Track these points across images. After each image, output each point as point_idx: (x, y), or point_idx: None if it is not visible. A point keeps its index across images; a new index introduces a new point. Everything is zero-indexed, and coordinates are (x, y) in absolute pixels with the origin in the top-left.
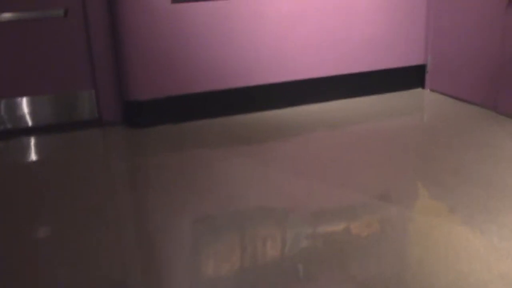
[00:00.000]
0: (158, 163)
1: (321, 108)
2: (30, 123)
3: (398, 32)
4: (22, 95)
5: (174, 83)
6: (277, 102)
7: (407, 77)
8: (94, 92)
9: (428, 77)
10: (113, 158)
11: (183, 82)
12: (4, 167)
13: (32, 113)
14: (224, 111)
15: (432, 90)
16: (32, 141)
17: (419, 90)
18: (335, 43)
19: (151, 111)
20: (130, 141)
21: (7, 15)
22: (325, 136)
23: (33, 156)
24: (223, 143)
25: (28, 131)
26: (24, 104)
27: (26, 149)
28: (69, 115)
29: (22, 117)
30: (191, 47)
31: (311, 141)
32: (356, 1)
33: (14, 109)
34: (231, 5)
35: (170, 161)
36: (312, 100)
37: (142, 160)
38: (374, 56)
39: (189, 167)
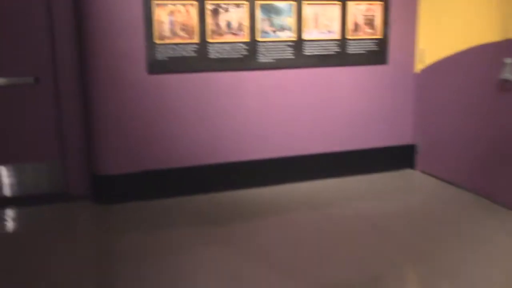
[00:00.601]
0: (122, 248)
1: (304, 188)
2: None
3: (385, 110)
4: None
5: (148, 157)
6: (257, 180)
7: (396, 157)
8: (61, 164)
9: (418, 157)
10: (74, 237)
11: (157, 156)
12: None
13: None
14: (200, 188)
15: (423, 172)
16: None
17: (409, 171)
18: (320, 119)
19: (121, 186)
20: (96, 219)
21: None
22: (305, 219)
23: None
24: (195, 225)
25: None
26: None
27: None
28: (34, 187)
29: None
30: (166, 121)
31: (290, 225)
32: (342, 77)
33: None
34: (210, 78)
35: (135, 246)
36: (295, 178)
37: (104, 242)
38: (361, 134)
39: (153, 255)
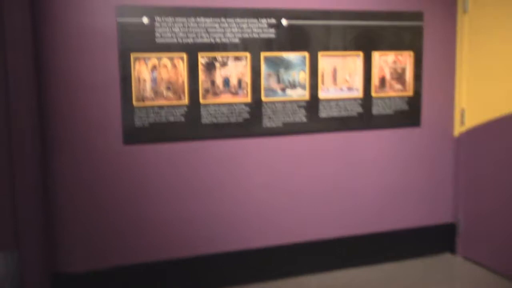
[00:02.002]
0: None
1: (319, 281)
2: None
3: (419, 182)
4: None
5: (122, 249)
6: (261, 273)
7: (433, 240)
8: (15, 256)
9: (459, 239)
10: None
11: (135, 248)
12: None
13: None
14: (188, 286)
15: (465, 258)
16: None
17: (448, 256)
18: (339, 196)
19: (87, 286)
20: None
21: None
22: None
23: None
24: None
25: None
26: None
27: None
28: None
29: None
30: (146, 203)
31: None
32: (365, 144)
33: None
34: (203, 148)
35: None
36: (307, 270)
37: None
38: (389, 213)
39: None
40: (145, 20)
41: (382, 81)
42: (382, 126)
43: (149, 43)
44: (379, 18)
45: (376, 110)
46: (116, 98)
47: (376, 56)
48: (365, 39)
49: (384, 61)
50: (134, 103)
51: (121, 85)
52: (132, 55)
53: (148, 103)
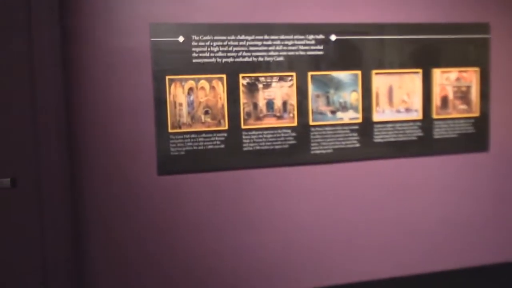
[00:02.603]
0: None
1: None
2: None
3: (488, 214)
4: None
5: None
6: None
7: (502, 279)
8: None
9: None
10: None
11: (167, 283)
12: None
13: None
14: None
15: None
16: None
17: None
18: (397, 230)
19: None
20: None
21: None
22: None
23: None
24: None
25: None
26: None
27: None
28: None
29: None
30: (181, 240)
31: None
32: (426, 171)
33: None
34: (245, 177)
35: None
36: None
37: None
38: (453, 249)
39: None
40: (181, 39)
41: (444, 101)
42: (445, 152)
43: (186, 64)
44: (440, 31)
45: (437, 133)
46: (150, 124)
47: (437, 73)
48: (424, 55)
49: (446, 79)
50: (170, 129)
51: (156, 110)
52: (167, 77)
53: (184, 129)
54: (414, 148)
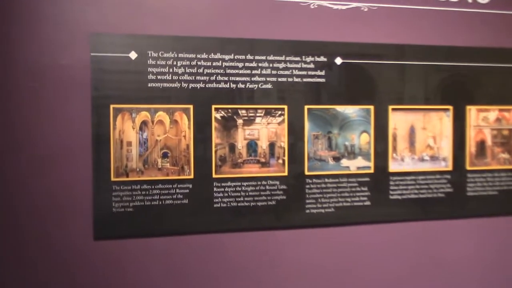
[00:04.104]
0: None
1: None
2: None
3: None
4: None
5: None
6: None
7: None
8: None
9: None
10: None
11: None
12: None
13: None
14: None
15: None
16: None
17: None
18: None
19: None
20: None
21: None
22: None
23: None
24: None
25: None
26: None
27: None
28: None
29: None
30: None
31: None
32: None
33: None
34: (216, 243)
35: None
36: None
37: None
38: None
39: None
40: (133, 55)
41: (481, 147)
42: (481, 213)
43: (138, 89)
44: (478, 58)
45: (472, 189)
46: (86, 170)
47: (472, 111)
48: (456, 87)
49: (484, 119)
50: (113, 177)
51: (94, 151)
52: (112, 106)
53: (132, 177)
54: (441, 208)
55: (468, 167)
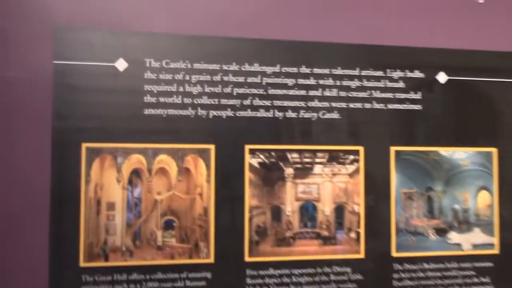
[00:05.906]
0: None
1: None
2: None
3: None
4: None
5: None
6: None
7: None
8: None
9: None
10: None
11: None
12: None
13: None
14: None
15: None
16: None
17: None
18: None
19: None
20: None
21: None
22: None
23: None
24: None
25: None
26: None
27: None
28: None
29: None
30: None
31: None
32: None
33: None
34: None
35: None
36: None
37: None
38: None
39: None
40: (120, 65)
41: None
42: None
43: (128, 118)
44: None
45: None
46: (39, 249)
47: None
48: None
49: None
50: (82, 261)
51: (52, 218)
52: (85, 145)
53: (116, 261)
54: None
55: None
